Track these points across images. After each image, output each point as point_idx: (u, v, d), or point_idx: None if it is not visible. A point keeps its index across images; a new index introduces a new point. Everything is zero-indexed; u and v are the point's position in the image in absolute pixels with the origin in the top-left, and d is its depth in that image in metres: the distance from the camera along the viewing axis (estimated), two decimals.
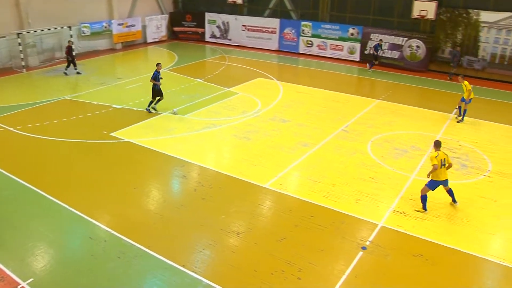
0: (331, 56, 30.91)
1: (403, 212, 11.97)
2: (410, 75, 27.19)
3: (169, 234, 10.68)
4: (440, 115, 19.92)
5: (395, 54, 28.81)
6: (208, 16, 35.33)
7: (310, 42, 31.49)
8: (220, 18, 34.80)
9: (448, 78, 26.45)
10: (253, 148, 15.45)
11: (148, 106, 18.78)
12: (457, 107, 19.47)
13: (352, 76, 27.44)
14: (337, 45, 30.63)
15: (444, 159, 11.86)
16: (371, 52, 28.14)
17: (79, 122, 17.75)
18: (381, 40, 28.08)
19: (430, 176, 11.85)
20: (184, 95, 21.28)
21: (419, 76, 27.04)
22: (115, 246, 10.21)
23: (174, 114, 18.18)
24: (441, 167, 11.74)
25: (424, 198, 12.00)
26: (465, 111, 19.01)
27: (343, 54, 30.55)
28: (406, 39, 28.30)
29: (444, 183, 11.96)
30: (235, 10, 34.76)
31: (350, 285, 9.25)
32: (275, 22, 32.63)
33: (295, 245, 10.36)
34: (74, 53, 25.00)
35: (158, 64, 18.65)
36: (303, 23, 31.49)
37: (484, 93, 23.92)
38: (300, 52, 31.97)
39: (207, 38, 35.76)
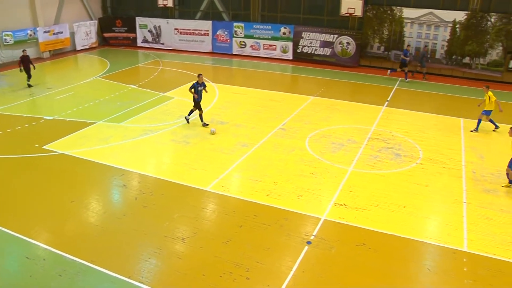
0: (265, 56, 31.27)
1: (344, 204, 12.30)
2: (342, 71, 28.02)
3: (112, 246, 10.37)
4: (373, 108, 20.67)
5: (327, 51, 29.58)
6: (139, 20, 34.69)
7: (243, 43, 31.68)
8: (151, 22, 34.25)
9: (423, 79, 26.73)
10: (192, 152, 15.34)
11: (188, 115, 18.02)
12: (478, 120, 18.28)
13: (286, 75, 27.87)
14: (270, 45, 31.01)
15: None
16: (402, 58, 25.94)
17: (8, 136, 16.89)
18: (408, 45, 26.87)
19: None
20: (119, 102, 20.78)
21: (351, 72, 27.93)
22: (55, 263, 9.78)
23: (212, 134, 16.87)
24: None
25: None
26: (479, 120, 18.17)
27: (276, 54, 30.99)
28: (337, 36, 29.14)
29: None
30: (166, 13, 34.37)
31: (298, 280, 9.39)
32: (207, 24, 32.57)
33: (241, 246, 10.39)
34: None
35: (199, 75, 17.55)
36: (235, 24, 31.65)
37: (411, 85, 25.09)
38: (234, 53, 32.11)
39: (139, 43, 35.11)
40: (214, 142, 16.10)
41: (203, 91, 17.56)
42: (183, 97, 21.18)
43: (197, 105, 17.62)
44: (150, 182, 13.33)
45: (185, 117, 18.03)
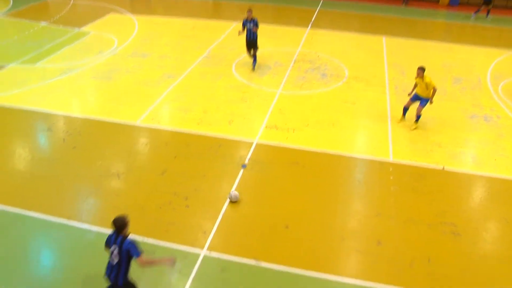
0: None
1: (275, 126, 12.53)
2: None
3: (46, 191, 9.94)
4: (297, 30, 20.70)
5: None
6: None
7: None
8: None
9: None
10: (117, 87, 14.78)
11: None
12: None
13: (207, 2, 27.00)
14: None
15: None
16: None
17: None
18: None
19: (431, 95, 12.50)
20: (30, 42, 19.33)
21: None
22: None
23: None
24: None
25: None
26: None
27: None
28: None
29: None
30: None
31: (236, 202, 9.63)
32: None
33: (177, 176, 10.42)
34: None
35: (248, 11, 15.89)
36: None
37: (331, 5, 25.19)
38: None
39: None
40: (138, 75, 15.56)
41: (253, 29, 15.61)
42: (101, 31, 20.04)
43: (249, 45, 15.92)
44: (77, 123, 12.79)
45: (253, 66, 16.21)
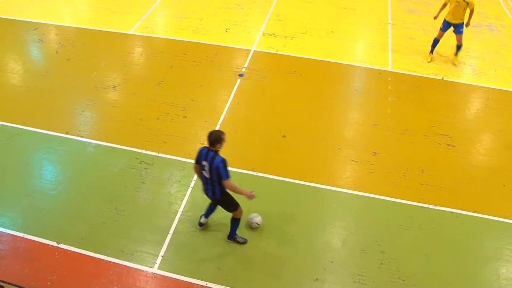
0: None
1: (273, 33, 12.22)
2: None
3: (42, 104, 9.87)
4: None
5: None
6: None
7: None
8: None
9: None
10: None
11: None
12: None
13: None
14: None
15: None
16: None
17: None
18: None
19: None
20: None
21: None
22: None
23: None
24: None
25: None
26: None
27: None
28: None
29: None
30: None
31: (234, 112, 9.65)
32: None
33: (174, 86, 10.33)
34: None
35: None
36: None
37: None
38: None
39: None
40: None
41: None
42: None
43: None
44: (69, 33, 12.39)
45: None
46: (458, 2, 10.52)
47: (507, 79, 11.13)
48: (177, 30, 12.36)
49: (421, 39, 12.39)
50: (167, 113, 9.55)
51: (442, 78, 11.00)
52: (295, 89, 10.34)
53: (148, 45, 11.89)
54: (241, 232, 7.18)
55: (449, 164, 8.72)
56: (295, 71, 10.88)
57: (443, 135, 9.36)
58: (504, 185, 8.36)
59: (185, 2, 13.65)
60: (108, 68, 10.97)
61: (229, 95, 10.08)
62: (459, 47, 11.39)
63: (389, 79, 10.88)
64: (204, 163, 6.27)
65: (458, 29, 11.01)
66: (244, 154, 8.67)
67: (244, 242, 7.15)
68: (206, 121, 9.38)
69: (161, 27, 12.66)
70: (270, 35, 12.18)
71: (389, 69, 11.22)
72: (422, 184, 8.24)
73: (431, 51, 11.65)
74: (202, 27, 12.45)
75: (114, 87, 10.34)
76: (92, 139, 8.94)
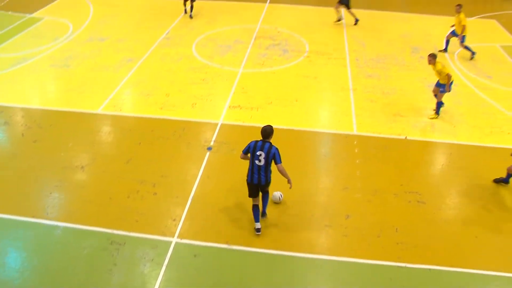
0: None
1: (239, 106, 12.49)
2: None
3: (7, 189, 9.61)
4: (256, 6, 20.50)
5: None
6: None
7: None
8: None
9: None
10: (75, 75, 14.35)
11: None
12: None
13: None
14: None
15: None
16: None
17: None
18: None
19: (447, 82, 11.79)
20: None
21: None
22: None
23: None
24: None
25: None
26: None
27: None
28: None
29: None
30: None
31: (205, 186, 9.63)
32: None
33: (143, 163, 10.31)
34: None
35: None
36: None
37: None
38: None
39: None
40: (97, 61, 15.16)
41: None
42: (54, 16, 19.28)
43: None
44: (36, 115, 12.38)
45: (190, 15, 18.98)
46: (433, 70, 11.92)
47: (467, 134, 11.58)
48: (144, 107, 12.53)
49: (382, 101, 12.89)
50: (137, 191, 9.45)
51: (406, 137, 11.35)
52: None
53: (116, 123, 11.96)
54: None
55: (421, 221, 8.82)
56: None
57: (412, 192, 9.52)
58: (476, 237, 8.50)
59: (151, 79, 13.94)
60: (76, 148, 10.90)
61: (199, 169, 10.09)
62: (438, 104, 12.20)
63: (355, 142, 11.16)
64: (260, 152, 7.88)
65: (441, 88, 11.94)
66: (217, 228, 8.57)
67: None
68: (177, 197, 9.31)
69: (128, 105, 12.82)
70: (237, 107, 12.45)
71: (354, 132, 11.54)
72: (397, 243, 8.26)
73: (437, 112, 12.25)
74: (169, 103, 12.66)
75: (82, 167, 10.24)
76: (60, 221, 8.68)
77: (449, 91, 11.94)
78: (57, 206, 9.11)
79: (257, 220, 8.37)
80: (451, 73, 11.96)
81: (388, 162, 10.47)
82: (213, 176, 9.93)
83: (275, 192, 9.04)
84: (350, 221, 8.78)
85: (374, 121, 11.99)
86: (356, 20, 18.28)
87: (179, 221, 8.68)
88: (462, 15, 15.13)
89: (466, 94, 13.50)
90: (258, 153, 7.89)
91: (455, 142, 11.32)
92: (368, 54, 15.87)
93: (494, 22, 20.04)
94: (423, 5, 21.88)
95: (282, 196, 9.13)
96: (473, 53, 15.64)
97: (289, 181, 7.98)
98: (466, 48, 15.57)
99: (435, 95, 12.34)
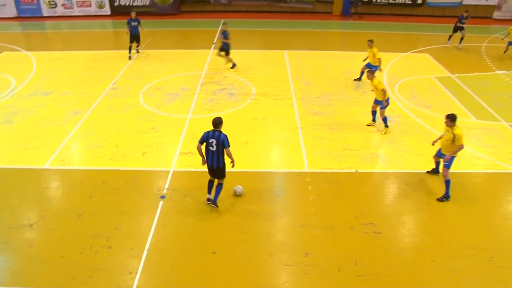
0: (80, 14, 29.17)
1: (190, 152, 12.45)
2: (165, 19, 27.44)
3: None
4: (201, 53, 20.83)
5: (146, 1, 28.72)
6: None
7: (54, 3, 29.00)
8: None
9: (358, 17, 28.46)
10: (19, 131, 13.92)
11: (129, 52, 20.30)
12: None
13: (107, 32, 26.52)
14: (83, 1, 28.91)
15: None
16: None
17: None
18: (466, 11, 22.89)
19: (383, 98, 12.98)
20: None
21: (174, 19, 27.49)
22: None
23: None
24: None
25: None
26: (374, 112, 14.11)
27: (93, 10, 29.16)
28: None
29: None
30: None
31: (160, 235, 9.42)
32: None
33: (95, 216, 10.00)
34: None
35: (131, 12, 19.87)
36: None
37: (236, 24, 25.63)
38: (45, 15, 29.31)
39: None
40: (42, 115, 14.80)
41: (139, 27, 19.83)
42: None
43: (132, 39, 20.04)
44: None
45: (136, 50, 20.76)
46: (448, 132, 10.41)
47: (413, 162, 12.00)
48: (94, 159, 12.27)
49: (331, 137, 13.22)
50: (91, 246, 9.12)
51: (356, 171, 11.62)
52: (219, 203, 10.36)
53: (65, 178, 11.61)
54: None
55: (379, 251, 8.96)
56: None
57: (368, 224, 9.69)
58: (433, 261, 8.70)
59: (100, 131, 13.72)
60: (23, 207, 10.45)
61: (153, 219, 9.89)
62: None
63: (307, 179, 11.31)
64: (212, 140, 9.51)
65: (446, 163, 10.48)
66: (174, 275, 8.37)
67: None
68: (132, 249, 9.04)
69: (77, 158, 12.53)
70: (187, 153, 12.41)
71: (306, 169, 11.71)
72: (358, 276, 8.33)
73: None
74: (119, 153, 12.47)
75: (30, 225, 9.80)
76: (7, 286, 8.22)
77: (387, 105, 13.09)
78: (3, 270, 8.60)
79: (209, 192, 10.23)
80: (386, 89, 13.28)
81: (341, 196, 10.65)
82: (169, 224, 9.75)
83: (235, 187, 10.60)
84: (309, 258, 8.79)
85: (325, 157, 12.24)
86: (234, 65, 18.71)
87: (136, 274, 8.40)
88: (375, 49, 16.50)
89: (409, 124, 14.07)
90: (210, 140, 9.53)
91: (404, 171, 11.70)
92: (313, 92, 16.35)
93: (427, 55, 21.26)
94: (359, 42, 22.89)
95: (242, 189, 10.64)
96: (359, 79, 17.40)
97: (232, 162, 9.76)
98: (362, 74, 17.31)
99: (373, 112, 13.83)
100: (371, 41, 16.64)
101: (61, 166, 12.00)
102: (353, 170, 11.66)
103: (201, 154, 9.78)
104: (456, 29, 22.78)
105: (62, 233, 9.54)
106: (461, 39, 22.56)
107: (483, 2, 28.98)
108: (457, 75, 18.60)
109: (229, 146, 9.52)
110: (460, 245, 9.13)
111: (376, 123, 13.93)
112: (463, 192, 10.86)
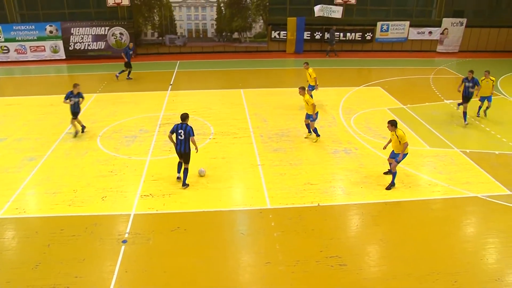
0: (34, 59, 28.73)
1: (150, 194, 12.30)
2: (120, 62, 27.30)
3: None
4: (158, 94, 20.89)
5: (101, 45, 28.66)
6: None
7: (6, 48, 28.49)
8: None
9: (334, 55, 29.41)
10: None
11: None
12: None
13: (62, 76, 26.24)
14: (37, 46, 28.56)
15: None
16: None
17: None
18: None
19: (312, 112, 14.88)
20: None
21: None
22: None
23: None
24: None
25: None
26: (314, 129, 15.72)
27: (47, 55, 28.75)
28: (108, 28, 28.42)
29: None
30: None
31: (123, 281, 9.16)
32: None
33: (54, 266, 9.63)
34: None
35: (74, 85, 16.36)
36: None
37: (192, 65, 25.93)
38: None
39: None
40: None
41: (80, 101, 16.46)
42: None
43: (74, 114, 16.38)
44: None
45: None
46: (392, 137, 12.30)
47: (374, 193, 12.28)
48: (51, 206, 11.90)
49: (291, 173, 13.36)
50: None
51: (318, 204, 11.75)
52: (182, 245, 10.22)
53: (20, 227, 11.18)
54: None
55: (345, 284, 9.02)
56: (178, 227, 10.86)
57: (333, 257, 9.76)
58: None
59: (57, 176, 13.37)
60: None
61: (115, 265, 9.63)
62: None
63: (270, 216, 11.33)
64: (181, 131, 12.16)
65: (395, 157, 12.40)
66: None
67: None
68: None
69: (33, 206, 12.11)
70: (148, 196, 12.25)
71: (268, 206, 11.75)
72: None
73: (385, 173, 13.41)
74: (77, 199, 12.16)
75: None
76: None
77: (316, 118, 15.20)
78: None
79: (178, 172, 12.86)
80: (316, 104, 15.07)
81: (305, 231, 10.71)
82: (131, 269, 9.50)
83: (200, 169, 13.26)
84: None
85: (286, 193, 12.33)
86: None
87: None
88: (310, 70, 18.47)
89: (366, 156, 14.43)
90: (179, 131, 12.18)
91: (365, 202, 11.92)
92: (271, 129, 16.58)
93: (379, 88, 22.06)
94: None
95: (205, 171, 13.25)
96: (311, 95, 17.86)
97: (196, 148, 12.46)
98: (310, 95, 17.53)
99: (307, 125, 15.69)
100: (306, 63, 18.64)
101: (16, 214, 11.58)
102: (315, 204, 11.78)
103: (172, 141, 12.38)
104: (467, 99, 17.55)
105: (17, 285, 9.12)
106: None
107: (427, 37, 30.80)
108: (409, 105, 19.36)
109: (194, 135, 12.25)
110: (425, 271, 9.32)
111: (313, 134, 15.71)
112: (424, 219, 11.16)
